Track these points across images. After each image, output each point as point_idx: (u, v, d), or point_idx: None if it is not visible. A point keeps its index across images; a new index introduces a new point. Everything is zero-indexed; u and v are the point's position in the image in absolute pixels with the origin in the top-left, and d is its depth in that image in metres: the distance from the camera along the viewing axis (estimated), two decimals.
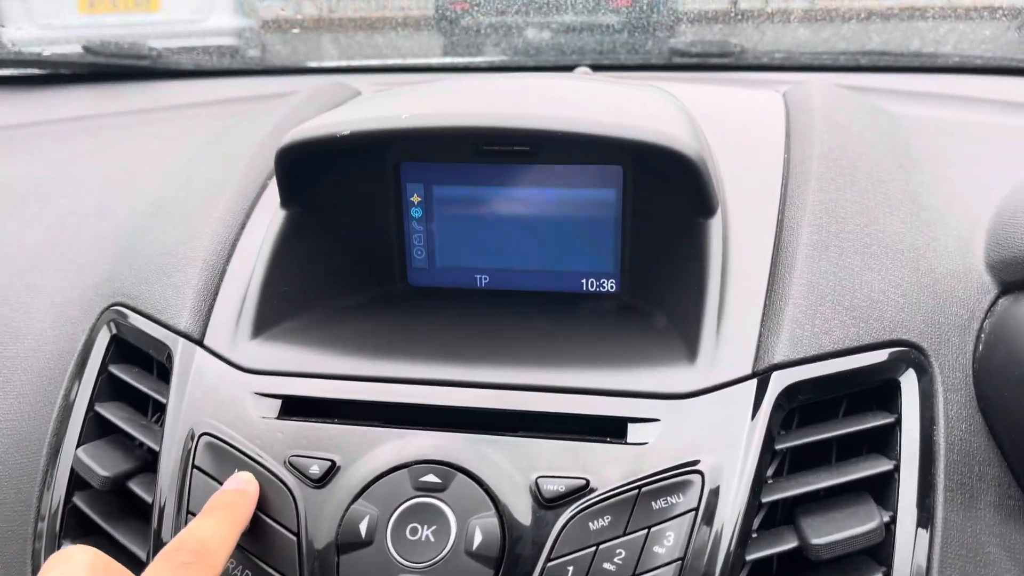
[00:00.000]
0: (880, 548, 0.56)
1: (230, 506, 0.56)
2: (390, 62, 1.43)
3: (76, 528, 0.66)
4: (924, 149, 0.81)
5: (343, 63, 1.42)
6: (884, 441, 0.60)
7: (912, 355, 0.61)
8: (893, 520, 0.56)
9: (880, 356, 0.60)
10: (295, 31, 1.89)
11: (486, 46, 1.50)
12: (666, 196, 0.68)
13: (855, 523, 0.55)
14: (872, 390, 0.61)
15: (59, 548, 0.65)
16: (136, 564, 0.62)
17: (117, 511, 0.65)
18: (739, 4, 1.54)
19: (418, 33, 1.76)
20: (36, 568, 0.65)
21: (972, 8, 1.33)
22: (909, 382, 0.60)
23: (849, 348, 0.60)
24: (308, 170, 0.69)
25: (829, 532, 0.54)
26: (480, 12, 1.53)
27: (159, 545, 0.59)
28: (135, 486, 0.63)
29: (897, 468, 0.57)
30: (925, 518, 0.56)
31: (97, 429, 0.69)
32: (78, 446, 0.67)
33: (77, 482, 0.67)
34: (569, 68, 1.23)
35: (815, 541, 0.54)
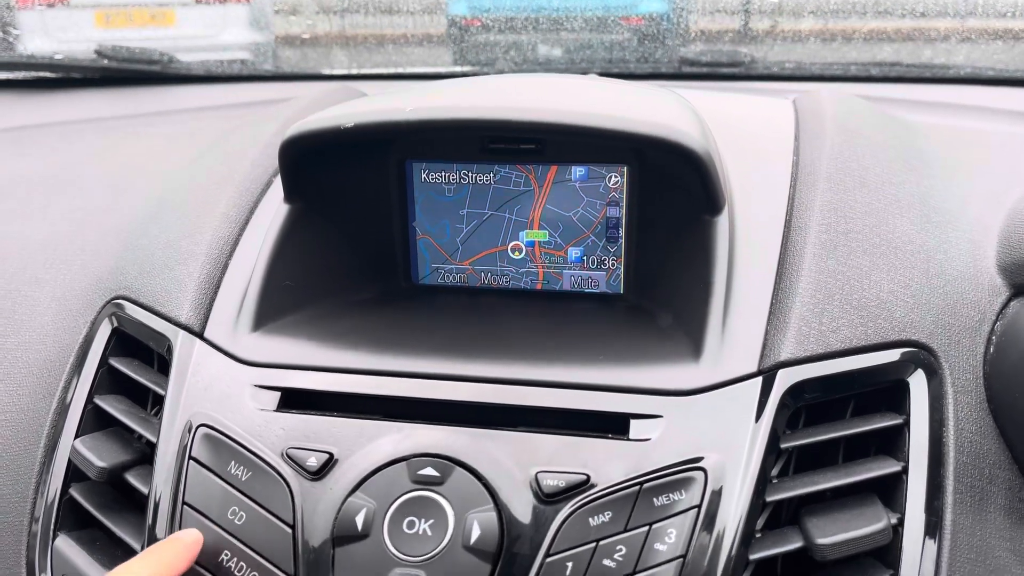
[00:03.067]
0: (887, 550, 0.55)
1: (161, 553, 0.55)
2: (399, 71, 1.44)
3: (72, 520, 0.66)
4: (936, 154, 0.80)
5: (353, 71, 1.43)
6: (892, 443, 0.59)
7: (921, 356, 0.60)
8: (901, 522, 0.55)
9: (889, 356, 0.59)
10: (306, 47, 1.90)
11: (496, 57, 1.51)
12: (673, 195, 0.68)
13: (862, 524, 0.53)
14: (880, 391, 0.60)
15: (54, 540, 0.65)
16: (132, 556, 0.61)
17: (114, 503, 0.65)
18: (749, 24, 1.54)
19: (430, 47, 1.77)
20: (31, 559, 0.65)
21: (982, 30, 1.33)
22: (918, 383, 0.59)
23: (857, 347, 0.59)
24: (312, 165, 0.69)
25: (835, 532, 0.53)
26: (491, 28, 1.54)
27: (153, 538, 0.59)
28: (132, 478, 0.63)
29: (905, 470, 0.56)
30: (933, 521, 0.55)
31: (96, 421, 0.68)
32: (76, 438, 0.66)
33: (74, 474, 0.66)
34: None
35: (820, 541, 0.52)
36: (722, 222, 0.65)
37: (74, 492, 0.65)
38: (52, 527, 0.65)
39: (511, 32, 1.55)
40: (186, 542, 0.56)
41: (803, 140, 0.77)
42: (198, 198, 0.79)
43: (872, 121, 0.82)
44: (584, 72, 1.26)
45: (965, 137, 0.88)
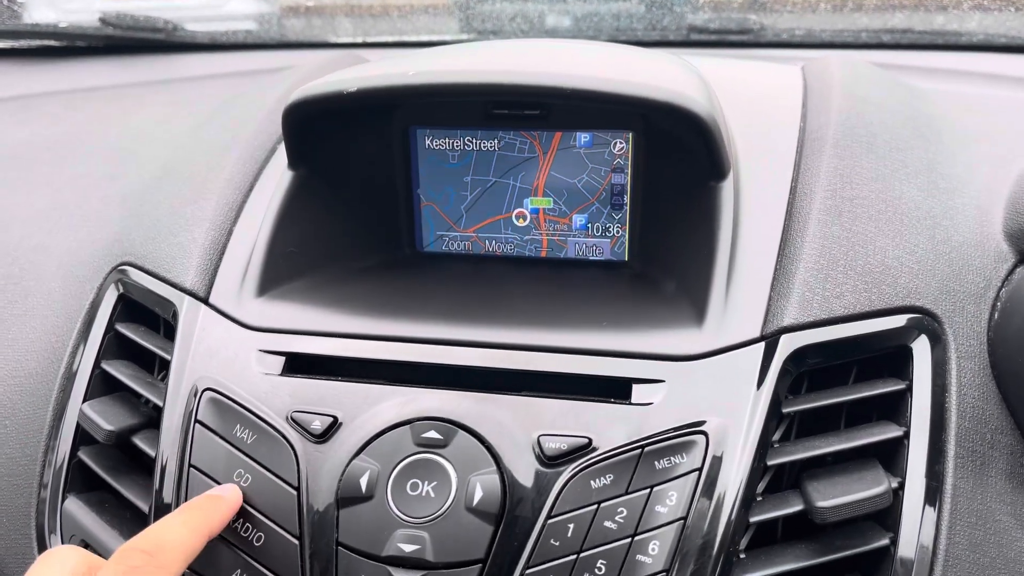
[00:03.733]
0: (887, 514, 0.55)
1: (200, 508, 0.54)
2: (406, 38, 1.43)
3: (81, 482, 0.66)
4: (945, 120, 0.79)
5: (359, 39, 1.42)
6: (894, 408, 0.59)
7: (925, 322, 0.60)
8: (901, 486, 0.55)
9: (892, 322, 0.59)
10: (313, 15, 1.88)
11: (503, 25, 1.49)
12: (678, 161, 0.67)
13: (862, 487, 0.54)
14: (883, 359, 0.60)
15: (63, 502, 0.66)
16: (140, 518, 0.62)
17: (121, 466, 0.65)
18: None
19: (435, 15, 1.76)
20: (41, 520, 0.66)
21: None
22: (922, 349, 0.59)
23: (860, 313, 0.59)
24: (316, 131, 0.69)
25: (835, 496, 0.53)
26: None
27: (160, 500, 0.59)
28: (139, 441, 0.63)
29: (907, 435, 0.56)
30: (934, 485, 0.55)
31: (103, 386, 0.69)
32: (84, 402, 0.67)
33: (83, 437, 0.67)
34: None
35: (820, 504, 0.53)
36: (727, 188, 0.64)
37: (82, 455, 0.66)
38: (61, 489, 0.66)
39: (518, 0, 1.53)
40: (227, 499, 0.56)
41: (810, 106, 0.76)
42: (203, 164, 0.79)
43: (881, 87, 0.81)
44: (593, 39, 1.24)
45: (975, 103, 0.87)
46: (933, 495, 0.55)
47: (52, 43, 1.36)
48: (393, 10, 1.72)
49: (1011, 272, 0.63)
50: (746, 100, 0.78)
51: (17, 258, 0.79)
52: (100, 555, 0.57)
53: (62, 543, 0.64)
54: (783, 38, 1.23)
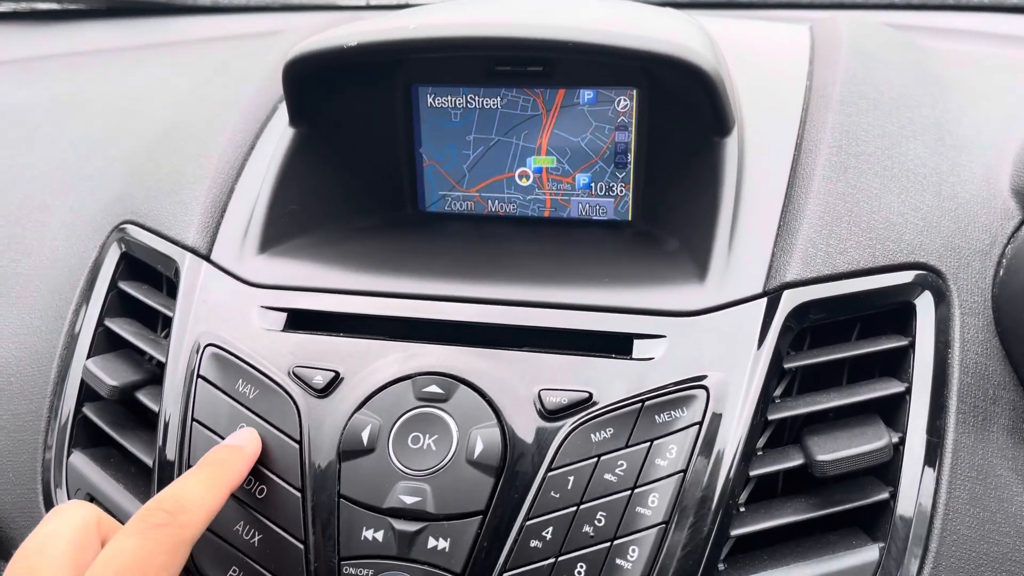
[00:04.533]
0: (887, 468, 0.55)
1: (220, 464, 0.54)
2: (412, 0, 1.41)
3: (86, 438, 0.67)
4: (954, 79, 0.78)
5: (363, 2, 1.40)
6: (897, 365, 0.58)
7: (929, 278, 0.59)
8: (902, 441, 0.55)
9: (896, 278, 0.59)
10: None
11: None
12: (682, 118, 0.67)
13: (862, 442, 0.54)
14: (887, 315, 0.60)
15: (69, 456, 0.66)
16: (144, 472, 0.63)
17: (126, 421, 0.66)
18: None
19: None
20: (47, 476, 0.66)
21: None
22: (925, 305, 0.59)
23: (864, 269, 0.58)
24: (317, 88, 0.68)
25: (835, 450, 0.53)
26: None
27: (163, 455, 0.60)
28: (143, 396, 0.64)
29: (909, 391, 0.56)
30: (935, 440, 0.55)
31: (107, 343, 0.69)
32: (88, 359, 0.67)
33: (87, 394, 0.67)
34: None
35: (820, 457, 0.53)
36: (731, 144, 0.64)
37: (87, 411, 0.66)
38: (67, 444, 0.67)
39: None
40: (245, 451, 0.55)
41: (817, 63, 0.75)
42: (204, 123, 0.79)
43: (889, 45, 0.80)
44: None
45: (985, 62, 0.85)
46: (934, 450, 0.55)
47: (53, 6, 1.35)
48: None
49: (1017, 229, 0.62)
50: (752, 58, 0.77)
51: (20, 218, 0.79)
52: (106, 509, 0.58)
53: (68, 498, 0.65)
54: None
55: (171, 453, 0.59)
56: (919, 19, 1.11)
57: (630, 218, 0.73)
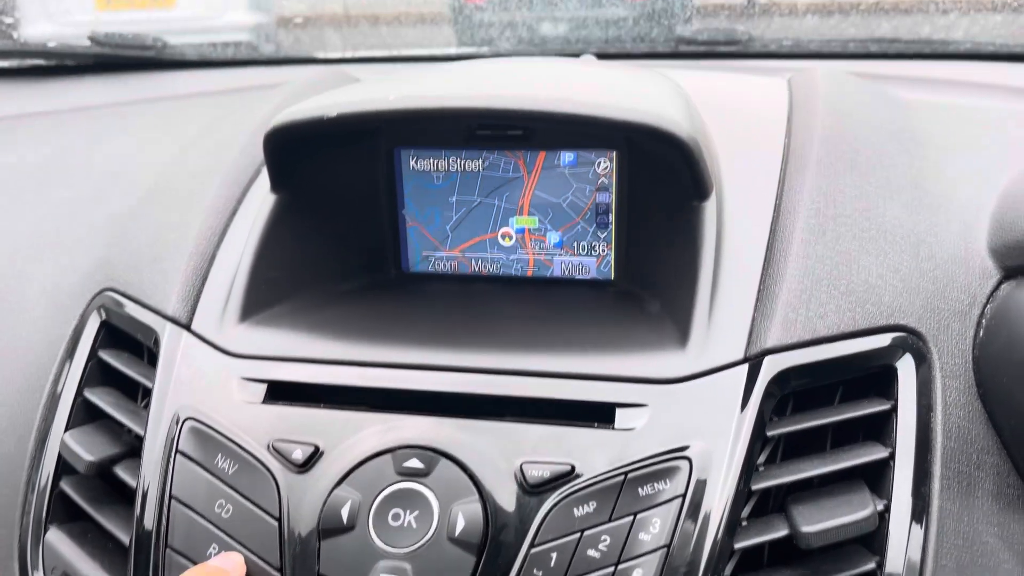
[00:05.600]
0: (873, 537, 0.54)
1: None
2: (396, 53, 1.42)
3: (63, 512, 0.66)
4: (930, 133, 0.79)
5: (348, 54, 1.41)
6: (880, 428, 0.58)
7: (910, 340, 0.59)
8: (887, 509, 0.55)
9: (877, 341, 0.59)
10: (305, 24, 1.89)
11: (493, 36, 1.49)
12: (661, 180, 0.67)
13: (848, 511, 0.53)
14: (869, 377, 0.60)
15: (46, 533, 0.65)
16: (121, 550, 0.62)
17: (104, 496, 0.65)
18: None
19: (428, 26, 1.76)
20: (23, 552, 0.65)
21: (982, 2, 1.30)
22: (906, 368, 0.58)
23: (844, 333, 0.58)
24: (298, 154, 0.68)
25: (821, 520, 0.53)
26: (492, 5, 1.52)
27: (141, 532, 0.59)
28: (121, 471, 0.63)
29: (892, 456, 0.56)
30: (920, 507, 0.55)
31: (86, 414, 0.69)
32: (66, 431, 0.66)
33: (64, 467, 0.66)
34: (574, 56, 1.21)
35: (805, 529, 0.52)
36: (710, 208, 0.64)
37: (64, 485, 0.66)
38: (43, 520, 0.65)
39: (508, 7, 1.53)
40: (229, 573, 0.54)
41: (795, 122, 0.76)
42: (186, 188, 0.79)
43: (865, 101, 0.81)
44: (581, 52, 1.24)
45: (961, 115, 0.86)
46: (919, 517, 0.55)
47: (41, 62, 1.36)
48: (384, 19, 1.72)
49: (996, 289, 0.62)
50: (731, 115, 0.78)
51: (0, 286, 0.79)
52: None
53: None
54: (771, 48, 1.23)
55: (149, 531, 0.59)
56: (894, 68, 1.12)
57: (612, 277, 0.73)
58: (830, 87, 0.82)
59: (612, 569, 0.52)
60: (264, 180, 0.76)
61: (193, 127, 0.98)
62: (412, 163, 0.74)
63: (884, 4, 1.32)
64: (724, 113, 0.77)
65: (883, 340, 0.59)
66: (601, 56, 1.22)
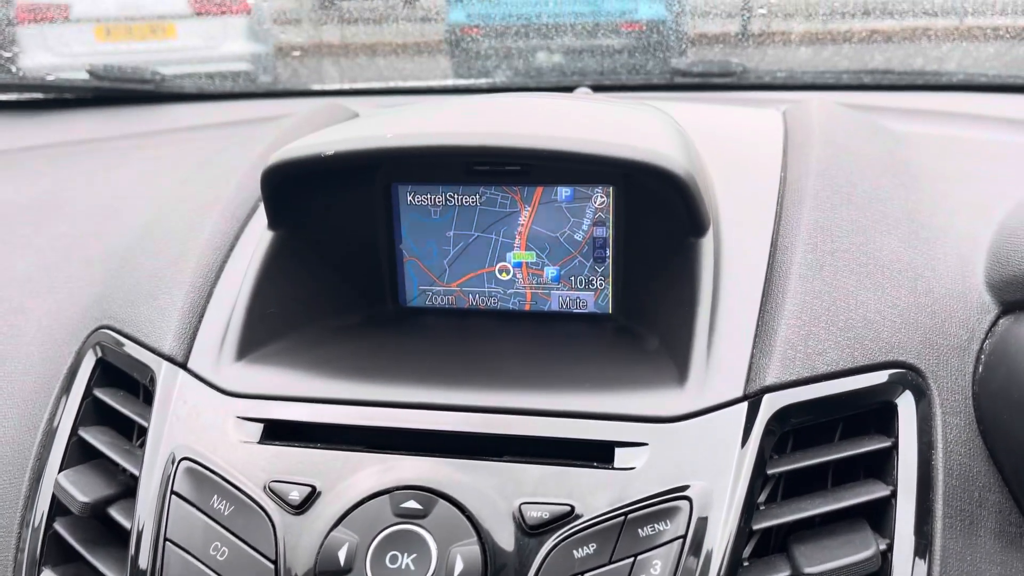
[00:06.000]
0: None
1: None
2: (393, 84, 1.44)
3: (57, 554, 0.65)
4: (925, 166, 0.79)
5: (346, 86, 1.42)
6: (881, 465, 0.58)
7: (909, 377, 0.59)
8: (890, 548, 0.54)
9: (876, 378, 0.59)
10: (303, 55, 1.90)
11: (489, 68, 1.50)
12: (658, 215, 0.67)
13: (850, 551, 0.53)
14: (869, 413, 0.60)
15: (39, 575, 0.64)
16: None
17: (98, 537, 0.64)
18: (742, 32, 1.53)
19: (424, 56, 1.77)
20: None
21: (976, 28, 1.32)
22: (906, 405, 0.58)
23: (843, 370, 0.58)
24: (296, 191, 0.69)
25: (823, 560, 0.52)
26: (488, 36, 1.53)
27: (136, 573, 0.58)
28: (115, 512, 0.62)
29: (894, 494, 0.56)
30: (923, 545, 0.54)
31: (81, 453, 0.68)
32: (60, 471, 0.66)
33: (58, 508, 0.66)
34: (570, 89, 1.22)
35: (808, 570, 0.52)
36: (707, 244, 0.64)
37: (58, 526, 0.65)
38: (37, 561, 0.65)
39: (504, 39, 1.55)
40: None
41: (790, 156, 0.76)
42: (183, 224, 0.79)
43: (860, 134, 0.82)
44: (577, 84, 1.25)
45: (955, 147, 0.87)
46: (923, 556, 0.54)
47: (40, 96, 1.37)
48: (381, 50, 1.74)
49: (994, 324, 0.62)
50: (727, 149, 0.78)
51: None
52: None
53: None
54: (765, 80, 1.24)
55: (143, 572, 0.58)
56: (888, 100, 1.13)
57: (610, 311, 0.73)
58: (825, 120, 0.82)
59: None
60: (261, 215, 0.77)
61: (191, 161, 0.98)
62: (409, 198, 0.74)
63: (877, 35, 1.33)
64: (720, 146, 0.77)
65: (882, 376, 0.59)
66: (597, 88, 1.24)
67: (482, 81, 1.47)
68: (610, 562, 0.52)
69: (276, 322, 0.69)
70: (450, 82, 1.51)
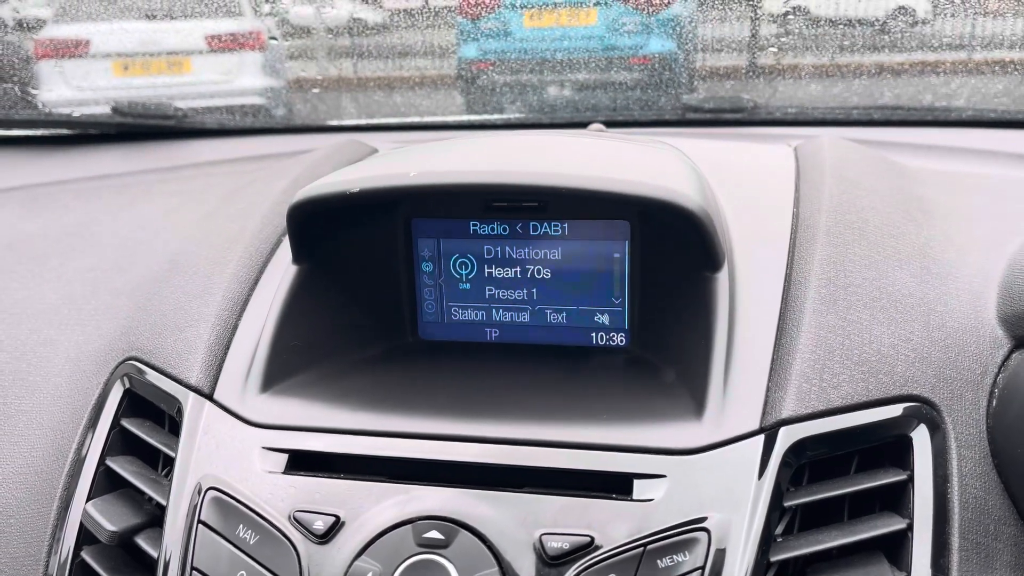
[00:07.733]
0: None
1: None
2: (409, 120, 1.46)
3: None
4: (936, 202, 0.81)
5: (363, 121, 1.45)
6: (897, 498, 0.58)
7: (924, 410, 0.60)
8: None
9: (890, 412, 0.59)
10: (319, 91, 1.94)
11: (503, 104, 1.53)
12: (674, 250, 0.69)
13: None
14: (885, 446, 0.60)
15: None
16: None
17: (124, 566, 0.65)
18: (751, 69, 1.55)
19: (439, 92, 1.81)
20: None
21: (985, 63, 1.34)
22: (921, 438, 0.59)
23: (858, 403, 0.59)
24: (320, 226, 0.70)
25: None
26: (500, 72, 1.56)
27: None
28: (142, 541, 0.63)
29: (910, 527, 0.56)
30: None
31: (108, 483, 0.69)
32: (88, 500, 0.67)
33: (86, 536, 0.67)
34: (583, 125, 1.25)
35: None
36: (722, 278, 0.66)
37: (86, 555, 0.66)
38: None
39: (517, 75, 1.58)
40: None
41: (803, 191, 0.78)
42: (209, 257, 0.81)
43: (872, 170, 0.83)
44: (590, 119, 1.27)
45: (966, 182, 0.88)
46: None
47: (64, 132, 1.40)
48: (396, 86, 1.77)
49: (1007, 358, 0.63)
50: (740, 186, 0.80)
51: (25, 353, 0.80)
52: None
53: None
54: (776, 116, 1.26)
55: None
56: (898, 135, 1.15)
57: (627, 344, 0.74)
58: (836, 155, 0.84)
59: None
60: (285, 248, 0.78)
61: (214, 195, 1.01)
62: (429, 233, 0.76)
63: (887, 71, 1.35)
64: (733, 182, 0.79)
65: (897, 410, 0.60)
66: (609, 124, 1.26)
67: (495, 117, 1.50)
68: None
69: (300, 354, 0.70)
70: (464, 118, 1.54)
